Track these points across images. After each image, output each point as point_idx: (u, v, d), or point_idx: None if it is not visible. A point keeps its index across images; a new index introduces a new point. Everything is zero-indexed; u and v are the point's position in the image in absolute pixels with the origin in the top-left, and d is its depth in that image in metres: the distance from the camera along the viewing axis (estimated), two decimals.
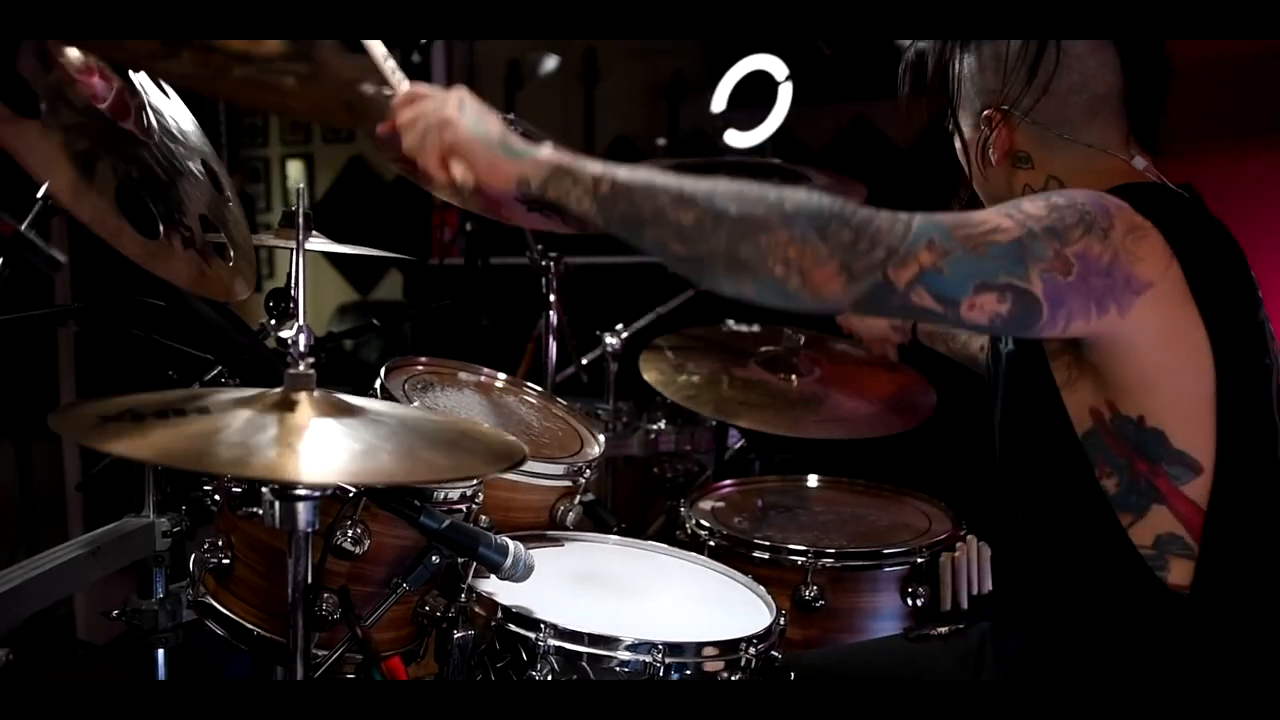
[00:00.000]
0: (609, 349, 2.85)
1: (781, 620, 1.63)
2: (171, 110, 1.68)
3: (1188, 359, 1.30)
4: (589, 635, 1.47)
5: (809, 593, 1.99)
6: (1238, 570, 1.33)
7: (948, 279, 1.21)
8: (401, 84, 1.44)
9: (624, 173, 1.28)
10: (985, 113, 1.50)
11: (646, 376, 2.59)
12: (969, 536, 2.11)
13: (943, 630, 1.76)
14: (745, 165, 2.62)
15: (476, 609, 1.58)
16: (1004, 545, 1.61)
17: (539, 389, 2.31)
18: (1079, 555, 1.41)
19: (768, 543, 2.07)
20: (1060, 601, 1.45)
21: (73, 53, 1.45)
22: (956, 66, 1.54)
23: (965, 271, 1.21)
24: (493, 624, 1.53)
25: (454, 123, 1.35)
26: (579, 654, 1.47)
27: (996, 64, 1.48)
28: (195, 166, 1.65)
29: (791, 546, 2.04)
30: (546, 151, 1.34)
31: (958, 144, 1.58)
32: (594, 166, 1.30)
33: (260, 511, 1.28)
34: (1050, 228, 1.24)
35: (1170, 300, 1.29)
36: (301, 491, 1.23)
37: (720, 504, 2.36)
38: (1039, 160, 1.49)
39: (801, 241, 1.18)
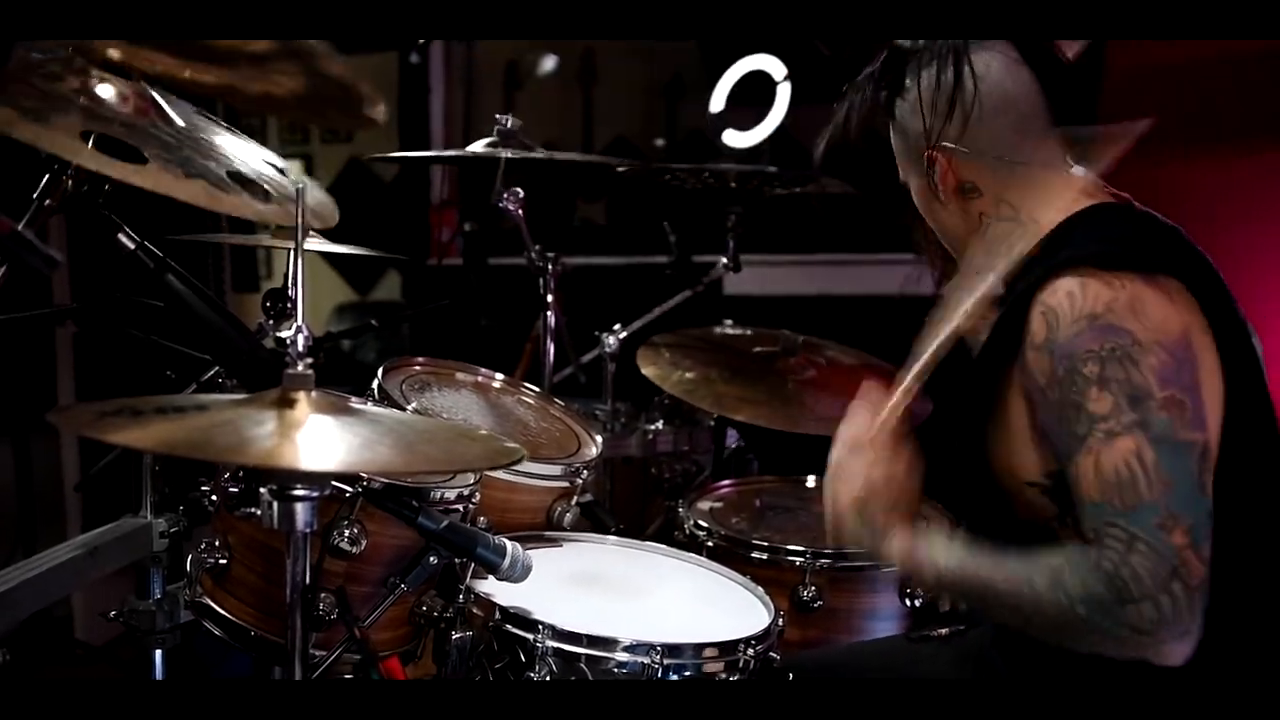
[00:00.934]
0: (607, 349, 2.85)
1: (780, 621, 1.63)
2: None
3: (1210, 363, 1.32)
4: (587, 636, 1.47)
5: (807, 593, 1.99)
6: (1237, 554, 1.34)
7: (1199, 522, 1.22)
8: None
9: (950, 572, 1.38)
10: (925, 155, 1.53)
11: (644, 370, 2.59)
12: None
13: (943, 631, 1.76)
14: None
15: (474, 609, 1.58)
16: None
17: (537, 389, 2.31)
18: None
19: (766, 543, 2.07)
20: None
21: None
22: (890, 125, 1.59)
23: (1190, 499, 1.23)
24: (490, 625, 1.53)
25: (848, 535, 1.52)
26: (577, 655, 1.47)
27: (918, 107, 1.51)
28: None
29: (790, 547, 2.04)
30: (898, 556, 1.45)
31: (914, 197, 1.62)
32: (930, 566, 1.40)
33: (258, 512, 1.28)
34: (1131, 400, 1.26)
35: (1192, 317, 1.32)
36: (299, 491, 1.23)
37: (718, 504, 2.35)
38: (985, 187, 1.52)
39: (1119, 641, 1.21)
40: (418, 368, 2.15)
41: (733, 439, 3.06)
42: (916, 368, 1.48)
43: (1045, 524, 1.41)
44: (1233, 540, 1.31)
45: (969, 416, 1.49)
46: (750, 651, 1.52)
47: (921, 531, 1.44)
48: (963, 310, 1.44)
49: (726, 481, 2.51)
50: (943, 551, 1.39)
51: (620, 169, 2.79)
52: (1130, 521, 1.21)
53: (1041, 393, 1.35)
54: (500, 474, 1.85)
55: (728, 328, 2.95)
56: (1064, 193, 1.48)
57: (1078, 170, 1.51)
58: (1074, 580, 1.22)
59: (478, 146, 2.54)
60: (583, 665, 1.47)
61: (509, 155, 2.39)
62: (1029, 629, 1.29)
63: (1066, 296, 1.33)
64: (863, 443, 1.48)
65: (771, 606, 1.68)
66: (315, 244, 2.08)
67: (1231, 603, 1.33)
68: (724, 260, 2.93)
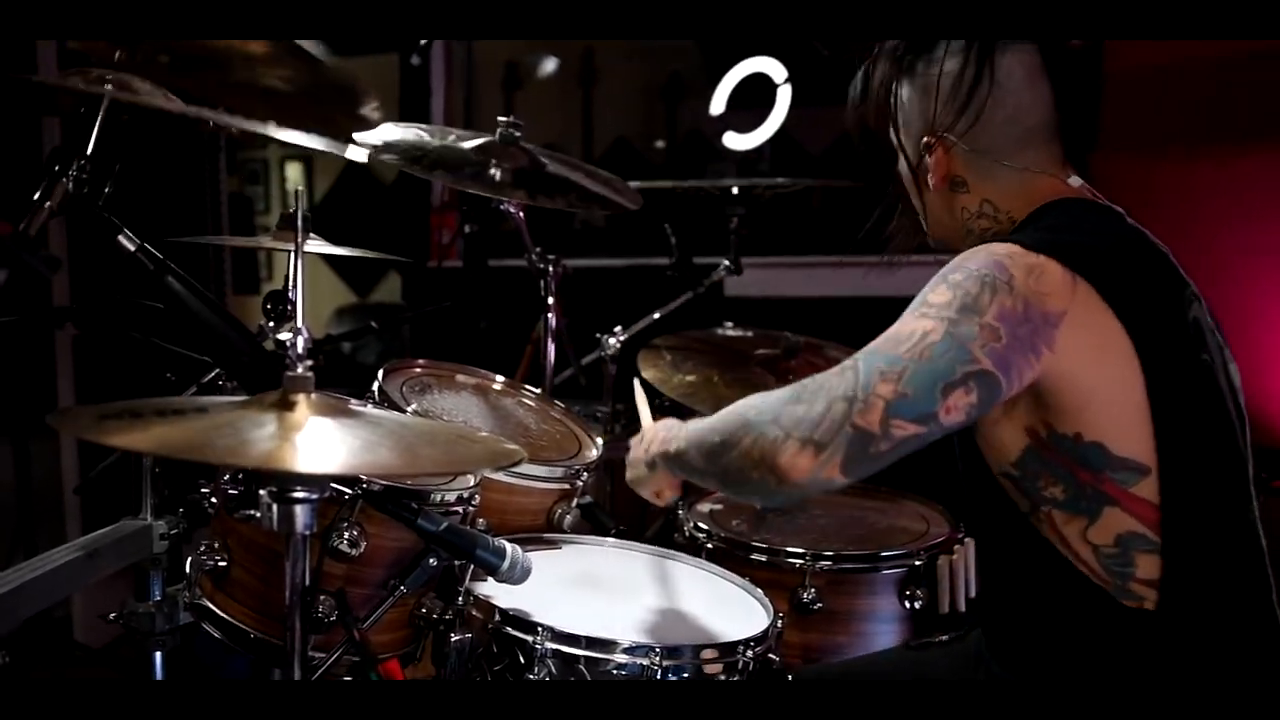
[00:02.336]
0: (607, 351, 2.85)
1: (779, 623, 1.63)
2: None
3: (1117, 369, 1.33)
4: (586, 638, 1.47)
5: (807, 595, 1.99)
6: (1207, 561, 1.34)
7: (914, 399, 1.25)
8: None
9: (686, 437, 1.48)
10: (924, 139, 1.54)
11: (645, 374, 2.59)
12: (967, 539, 2.11)
13: (943, 638, 1.76)
14: None
15: (474, 611, 1.58)
16: (979, 553, 1.65)
17: (537, 391, 2.31)
18: (1021, 564, 1.45)
19: (765, 545, 2.06)
20: (1013, 607, 1.49)
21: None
22: (898, 91, 1.57)
23: (926, 384, 1.25)
24: (490, 626, 1.53)
25: (631, 481, 1.71)
26: (576, 657, 1.47)
27: (933, 92, 1.51)
28: None
29: (789, 549, 2.04)
30: (657, 451, 1.57)
31: (901, 166, 1.62)
32: (674, 445, 1.50)
33: (257, 514, 1.28)
34: (963, 306, 1.29)
35: (1087, 320, 1.32)
36: (299, 494, 1.23)
37: (718, 506, 2.35)
38: (973, 185, 1.53)
39: (758, 436, 1.27)
40: (418, 370, 2.15)
41: None
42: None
43: (1023, 518, 1.41)
44: (1190, 516, 1.33)
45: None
46: (749, 653, 1.52)
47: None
48: None
49: None
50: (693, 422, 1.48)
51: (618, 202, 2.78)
52: (864, 357, 1.27)
53: None
54: (500, 476, 1.85)
55: (729, 330, 2.95)
56: (1043, 197, 1.49)
57: (1074, 181, 1.51)
58: (767, 393, 1.31)
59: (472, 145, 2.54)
60: (582, 667, 1.47)
61: (497, 175, 2.38)
62: (712, 456, 1.36)
63: (978, 249, 1.37)
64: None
65: (771, 608, 1.68)
66: (315, 246, 2.08)
67: (1201, 594, 1.34)
68: (725, 262, 2.93)
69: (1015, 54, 1.47)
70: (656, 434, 1.60)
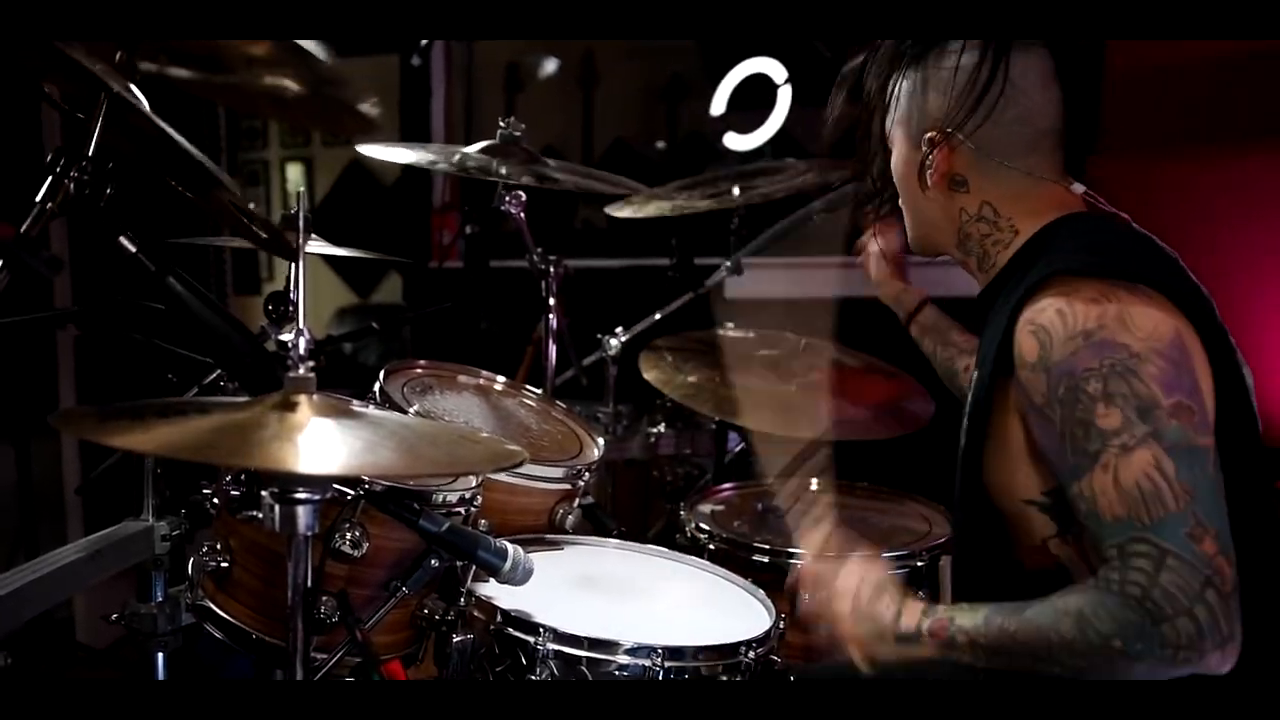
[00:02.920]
0: (609, 352, 2.85)
1: (781, 624, 1.63)
2: None
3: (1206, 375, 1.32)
4: (588, 639, 1.47)
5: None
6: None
7: (1221, 525, 1.21)
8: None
9: (982, 641, 1.33)
10: (928, 134, 1.51)
11: (646, 375, 2.59)
12: None
13: None
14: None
15: (475, 612, 1.58)
16: (960, 560, 1.63)
17: (538, 392, 2.31)
18: (1026, 575, 1.44)
19: (767, 546, 2.07)
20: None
21: None
22: (899, 83, 1.56)
23: (1212, 502, 1.22)
24: (492, 627, 1.53)
25: (854, 637, 1.46)
26: (578, 658, 1.47)
27: (944, 87, 1.48)
28: None
29: (791, 550, 2.04)
30: (928, 636, 1.39)
31: (894, 162, 1.60)
32: (963, 638, 1.35)
33: (259, 515, 1.28)
34: (1140, 412, 1.24)
35: (1185, 328, 1.31)
36: (301, 495, 1.23)
37: (720, 507, 2.35)
38: (975, 185, 1.51)
39: (1157, 662, 1.19)
40: (419, 370, 2.15)
41: (734, 443, 3.06)
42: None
43: (1043, 543, 1.41)
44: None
45: (967, 438, 1.48)
46: (751, 654, 1.53)
47: (928, 607, 1.41)
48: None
49: (728, 484, 2.51)
50: (962, 615, 1.35)
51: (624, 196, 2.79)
52: (1159, 535, 1.20)
53: (1039, 413, 1.33)
54: (502, 477, 1.85)
55: (730, 331, 2.95)
56: (1047, 204, 1.48)
57: (1077, 187, 1.50)
58: (1102, 617, 1.21)
59: (475, 149, 2.55)
60: (584, 668, 1.47)
61: (503, 173, 2.39)
62: (1070, 673, 1.26)
63: (1057, 314, 1.32)
64: (822, 570, 1.51)
65: (772, 609, 1.68)
66: (316, 247, 2.08)
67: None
68: (726, 263, 2.93)
69: (1029, 56, 1.45)
70: (906, 604, 1.43)
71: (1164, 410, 1.24)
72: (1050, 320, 1.32)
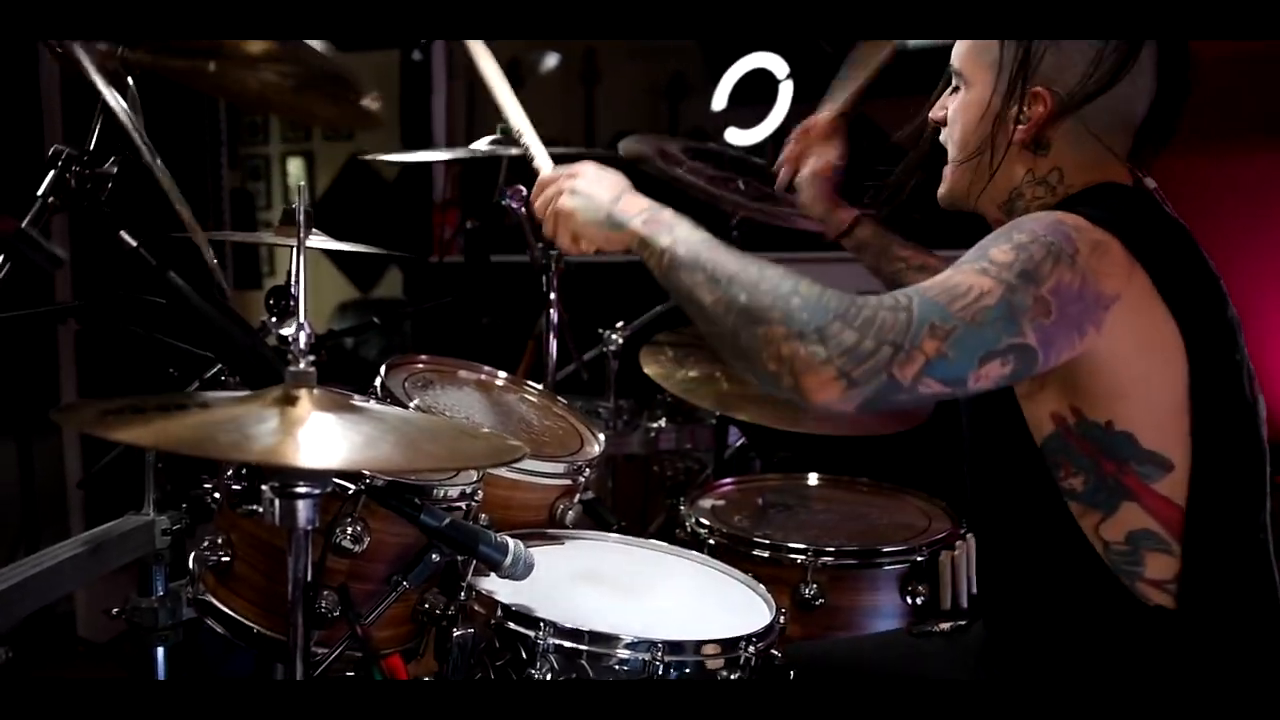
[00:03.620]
0: (610, 347, 2.85)
1: (781, 619, 1.63)
2: None
3: (1161, 361, 1.32)
4: (589, 634, 1.47)
5: (809, 591, 1.99)
6: (1223, 562, 1.34)
7: (953, 362, 1.21)
8: (543, 165, 1.65)
9: (686, 245, 1.37)
10: (1036, 89, 1.45)
11: (647, 370, 2.59)
12: (968, 535, 2.11)
13: (945, 626, 1.77)
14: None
15: (476, 607, 1.58)
16: (981, 548, 1.63)
17: (539, 387, 2.31)
18: (1043, 557, 1.43)
19: (768, 541, 2.07)
20: (1028, 601, 1.48)
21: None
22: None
23: (969, 348, 1.22)
24: (492, 622, 1.53)
25: (567, 211, 1.53)
26: (579, 652, 1.47)
27: (1077, 53, 1.43)
28: None
29: (791, 545, 2.04)
30: (638, 220, 1.45)
31: (962, 98, 1.54)
32: (666, 238, 1.40)
33: (260, 509, 1.28)
34: (1023, 272, 1.25)
35: (1139, 307, 1.30)
36: (302, 489, 1.23)
37: (720, 502, 2.36)
38: (1056, 150, 1.47)
39: (798, 338, 1.20)
40: (420, 365, 2.15)
41: (735, 438, 3.06)
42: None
43: (1051, 488, 1.39)
44: (1215, 538, 1.33)
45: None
46: (752, 649, 1.53)
47: (654, 204, 1.46)
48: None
49: (728, 479, 2.51)
50: (688, 226, 1.40)
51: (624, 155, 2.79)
52: (920, 301, 1.22)
53: None
54: (502, 472, 1.85)
55: None
56: (1102, 176, 1.46)
57: (1149, 182, 1.49)
58: (814, 284, 1.24)
59: (480, 145, 2.55)
60: (584, 663, 1.47)
61: (513, 153, 2.39)
62: (723, 308, 1.28)
63: (1043, 213, 1.35)
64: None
65: (773, 604, 1.69)
66: (317, 241, 2.08)
67: (1216, 601, 1.33)
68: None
69: (1148, 45, 1.43)
70: (631, 196, 1.50)
71: (1035, 288, 1.24)
72: (1035, 213, 1.36)
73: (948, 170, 1.59)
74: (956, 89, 1.55)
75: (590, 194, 1.51)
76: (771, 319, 1.22)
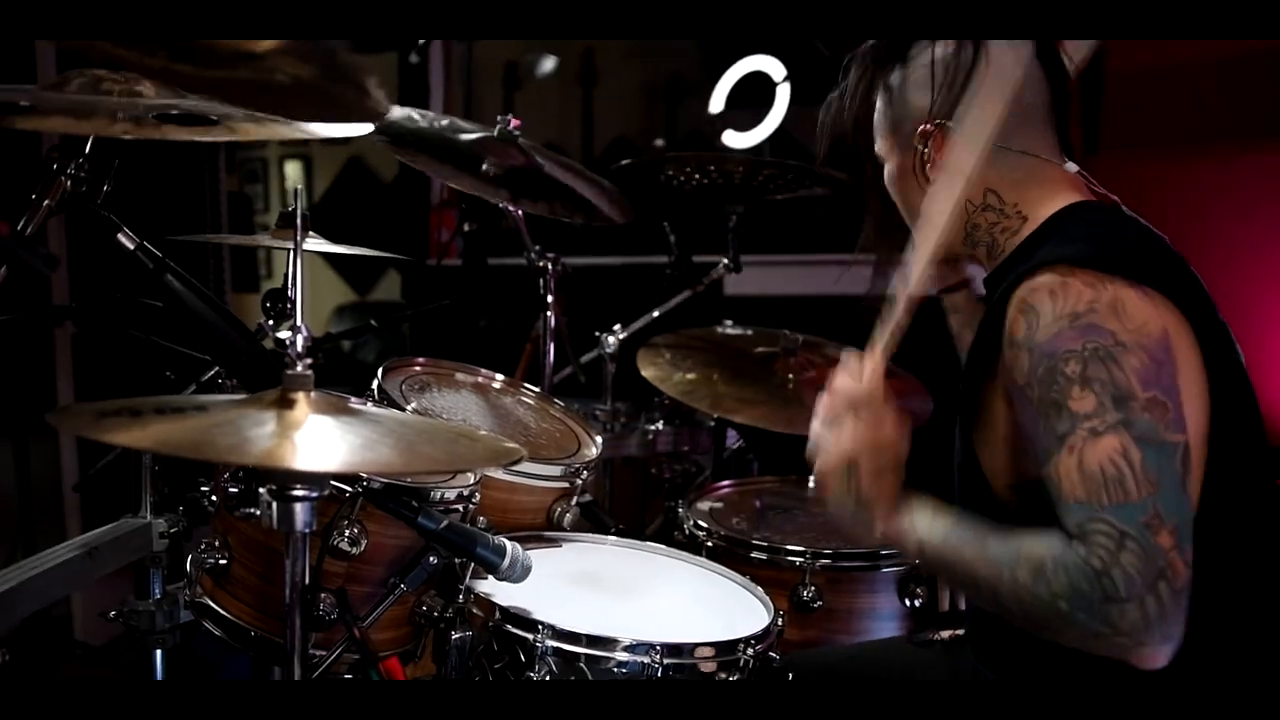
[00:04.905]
0: (607, 350, 2.85)
1: (779, 621, 1.63)
2: None
3: (1194, 372, 1.31)
4: (587, 636, 1.47)
5: (807, 593, 1.99)
6: (1227, 568, 1.34)
7: (1180, 521, 1.20)
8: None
9: (932, 548, 1.37)
10: (920, 129, 1.51)
11: (644, 372, 2.59)
12: None
13: (944, 635, 1.76)
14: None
15: (474, 609, 1.57)
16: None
17: (536, 390, 2.31)
18: None
19: (766, 543, 2.07)
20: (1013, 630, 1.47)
21: None
22: (883, 91, 1.57)
23: (1175, 499, 1.20)
24: (490, 624, 1.53)
25: (824, 501, 1.50)
26: (577, 655, 1.47)
27: (924, 81, 1.49)
28: None
29: (789, 547, 2.04)
30: (880, 527, 1.43)
31: (889, 170, 1.60)
32: (912, 540, 1.39)
33: (257, 512, 1.28)
34: (1115, 400, 1.23)
35: (1177, 327, 1.30)
36: (299, 492, 1.23)
37: (718, 505, 2.35)
38: (975, 172, 1.46)
39: (1097, 639, 1.19)
40: (417, 368, 2.15)
41: (733, 439, 3.06)
42: (884, 333, 1.47)
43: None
44: (1220, 544, 1.31)
45: (960, 421, 1.48)
46: (749, 651, 1.52)
47: (906, 502, 1.42)
48: (918, 269, 1.43)
49: (726, 482, 2.51)
50: (926, 524, 1.38)
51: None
52: (1118, 519, 1.19)
53: (1020, 391, 1.33)
54: (500, 474, 1.85)
55: (728, 328, 2.95)
56: (1052, 188, 1.47)
57: (1070, 166, 1.50)
58: (1058, 575, 1.20)
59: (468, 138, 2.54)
60: (582, 665, 1.47)
61: (492, 171, 2.38)
62: (1006, 615, 1.27)
63: (1048, 294, 1.31)
64: (856, 399, 1.44)
65: (771, 607, 1.68)
66: (315, 244, 2.08)
67: (1218, 606, 1.33)
68: (724, 260, 2.93)
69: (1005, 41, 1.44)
70: (884, 513, 1.43)
71: (1138, 402, 1.23)
72: (1041, 300, 1.31)
73: (917, 241, 1.54)
74: (880, 163, 1.61)
75: (850, 492, 1.45)
76: (1060, 631, 1.22)
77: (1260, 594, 1.37)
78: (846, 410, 1.44)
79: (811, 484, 1.50)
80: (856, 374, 1.45)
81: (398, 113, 2.25)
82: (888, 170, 1.60)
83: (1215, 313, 1.38)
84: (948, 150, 1.48)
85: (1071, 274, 1.31)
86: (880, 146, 1.61)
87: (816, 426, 1.48)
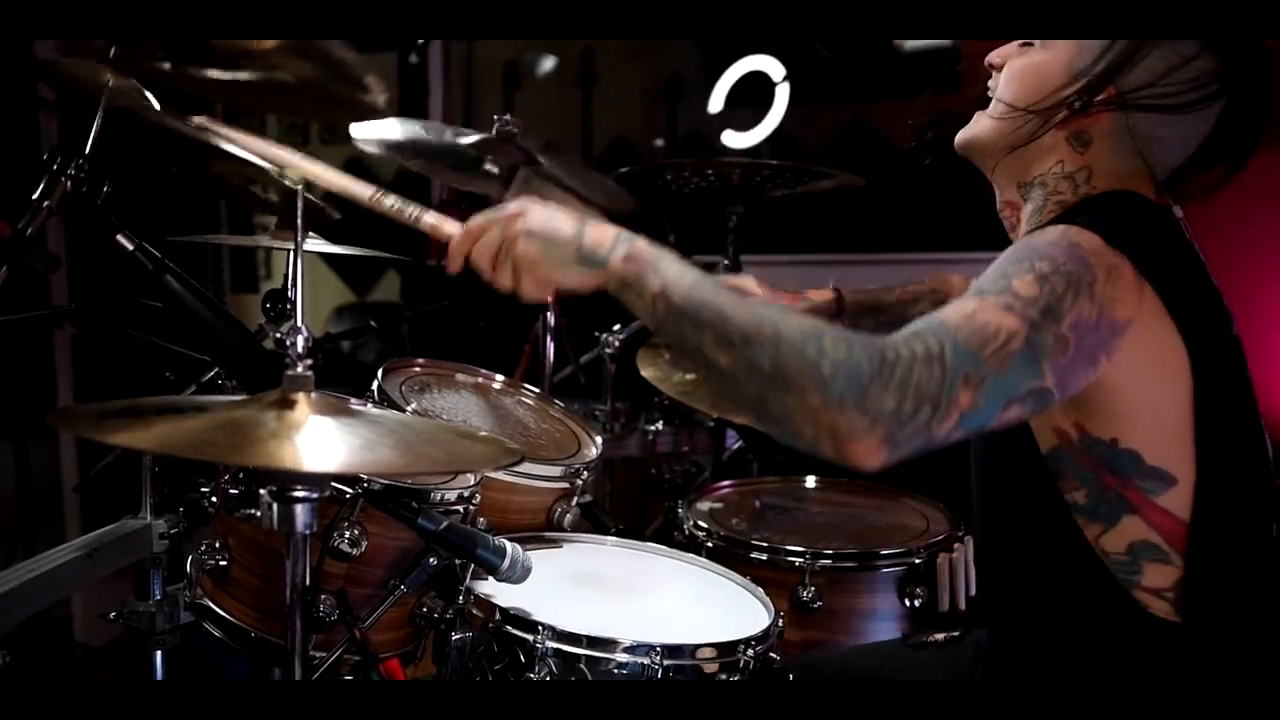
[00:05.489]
0: (606, 350, 2.85)
1: (779, 621, 1.63)
2: None
3: (1168, 381, 1.30)
4: (587, 637, 1.47)
5: (807, 594, 1.99)
6: (1229, 575, 1.34)
7: (980, 412, 1.17)
8: (430, 220, 1.48)
9: (680, 291, 1.24)
10: (1109, 91, 1.40)
11: (644, 373, 2.59)
12: (967, 537, 2.11)
13: (939, 637, 1.76)
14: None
15: (474, 610, 1.57)
16: (981, 555, 1.62)
17: (536, 390, 2.31)
18: (1044, 564, 1.42)
19: (765, 544, 2.07)
20: (1028, 609, 1.47)
21: None
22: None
23: (995, 397, 1.18)
24: (491, 626, 1.53)
25: (530, 258, 1.35)
26: (577, 656, 1.47)
27: (1158, 59, 1.38)
28: None
29: (789, 548, 2.04)
30: (618, 258, 1.30)
31: (1035, 63, 1.47)
32: (655, 281, 1.26)
33: (258, 513, 1.28)
34: (1046, 308, 1.21)
35: (1149, 327, 1.28)
36: (299, 493, 1.23)
37: (718, 505, 2.35)
38: (1095, 150, 1.43)
39: (837, 409, 1.12)
40: (417, 369, 2.15)
41: (732, 440, 3.06)
42: None
43: (1054, 497, 1.38)
44: (1218, 529, 1.32)
45: None
46: (750, 652, 1.52)
47: (623, 232, 1.31)
48: None
49: (726, 482, 2.51)
50: (675, 266, 1.26)
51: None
52: (954, 353, 1.15)
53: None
54: (500, 475, 1.85)
55: None
56: (1126, 185, 1.43)
57: (1177, 210, 1.46)
58: (840, 344, 1.14)
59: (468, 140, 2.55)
60: (582, 666, 1.47)
61: (495, 170, 2.38)
62: (742, 374, 1.18)
63: (1060, 232, 1.29)
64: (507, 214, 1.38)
65: (771, 607, 1.68)
66: (314, 245, 2.08)
67: (1222, 610, 1.33)
68: (724, 260, 2.93)
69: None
70: (595, 226, 1.33)
71: (1057, 327, 1.20)
72: (1051, 229, 1.31)
73: (981, 117, 1.53)
74: (1029, 43, 1.49)
75: (549, 233, 1.34)
76: (804, 388, 1.13)
77: (1260, 598, 1.37)
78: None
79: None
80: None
81: (402, 131, 2.26)
82: (1036, 52, 1.47)
83: (1229, 331, 1.37)
84: (1098, 121, 1.42)
85: (1088, 234, 1.29)
86: (1042, 71, 1.47)
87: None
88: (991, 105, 1.51)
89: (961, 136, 1.55)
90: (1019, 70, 1.48)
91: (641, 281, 1.27)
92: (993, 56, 1.53)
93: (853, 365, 1.12)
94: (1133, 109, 1.39)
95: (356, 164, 5.71)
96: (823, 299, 2.00)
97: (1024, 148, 1.46)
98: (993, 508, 1.52)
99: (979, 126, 1.53)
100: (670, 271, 1.26)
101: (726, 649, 1.52)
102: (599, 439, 2.14)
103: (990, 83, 1.53)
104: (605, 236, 1.32)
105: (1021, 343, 1.18)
